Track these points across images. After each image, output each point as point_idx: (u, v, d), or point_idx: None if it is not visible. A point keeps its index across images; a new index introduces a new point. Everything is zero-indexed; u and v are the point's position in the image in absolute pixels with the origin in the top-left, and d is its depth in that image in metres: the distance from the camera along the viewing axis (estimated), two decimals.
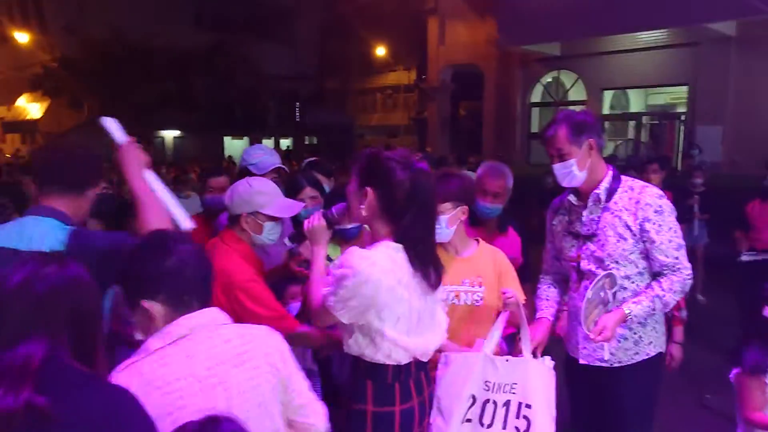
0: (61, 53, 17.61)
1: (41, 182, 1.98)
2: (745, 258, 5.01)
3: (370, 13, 21.20)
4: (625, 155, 13.22)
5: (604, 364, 2.36)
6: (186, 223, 2.05)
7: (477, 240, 2.47)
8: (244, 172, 3.08)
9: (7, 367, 1.11)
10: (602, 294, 2.21)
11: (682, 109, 14.21)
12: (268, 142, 23.72)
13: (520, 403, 2.00)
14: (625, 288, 2.29)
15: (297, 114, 25.22)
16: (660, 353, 2.43)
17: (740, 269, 4.99)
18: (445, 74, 17.62)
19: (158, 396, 1.30)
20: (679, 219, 2.35)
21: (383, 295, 1.73)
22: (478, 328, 2.27)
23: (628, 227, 2.25)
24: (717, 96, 12.24)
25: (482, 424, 2.00)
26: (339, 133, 24.25)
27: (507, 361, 2.08)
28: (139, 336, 1.43)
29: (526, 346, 2.17)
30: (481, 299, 2.31)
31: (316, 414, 1.62)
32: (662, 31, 12.69)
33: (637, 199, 2.26)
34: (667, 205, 2.26)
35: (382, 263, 1.74)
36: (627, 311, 2.20)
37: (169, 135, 22.42)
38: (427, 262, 1.83)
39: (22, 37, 20.02)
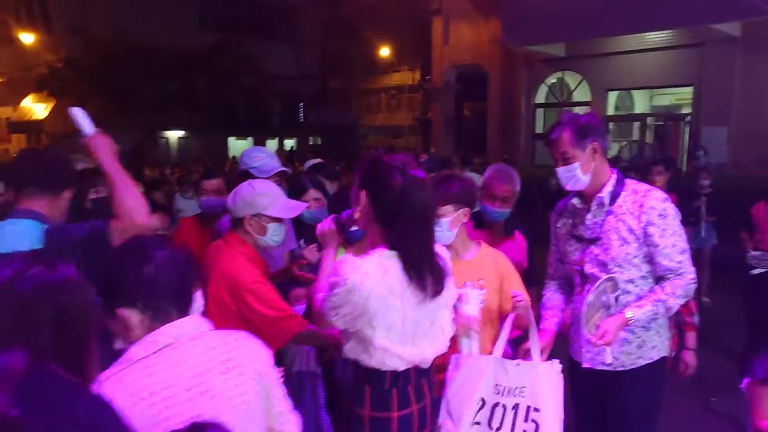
0: (66, 54, 17.66)
1: (19, 185, 2.04)
2: (754, 271, 4.97)
3: (374, 13, 21.21)
4: (629, 156, 13.17)
5: (607, 368, 2.34)
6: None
7: (479, 243, 2.46)
8: (246, 175, 3.07)
9: None
10: (604, 298, 2.20)
11: (687, 110, 14.17)
12: (272, 143, 23.78)
13: (528, 407, 2.01)
14: (628, 292, 2.28)
15: (301, 114, 25.24)
16: (664, 358, 2.41)
17: (748, 278, 4.96)
18: (450, 75, 17.60)
19: (144, 407, 1.28)
20: (685, 221, 2.33)
21: (373, 304, 1.71)
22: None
23: (632, 231, 2.24)
24: (722, 97, 12.21)
25: (491, 428, 2.01)
26: (343, 133, 24.26)
27: (518, 365, 2.09)
28: (118, 345, 1.41)
29: (535, 350, 2.17)
30: (481, 302, 2.30)
31: (292, 423, 1.61)
32: (667, 31, 12.67)
33: (641, 202, 2.25)
34: (671, 208, 2.25)
35: (373, 272, 1.71)
36: (629, 315, 2.19)
37: (174, 135, 22.48)
38: (423, 271, 1.78)
39: (27, 38, 20.11)
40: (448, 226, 2.27)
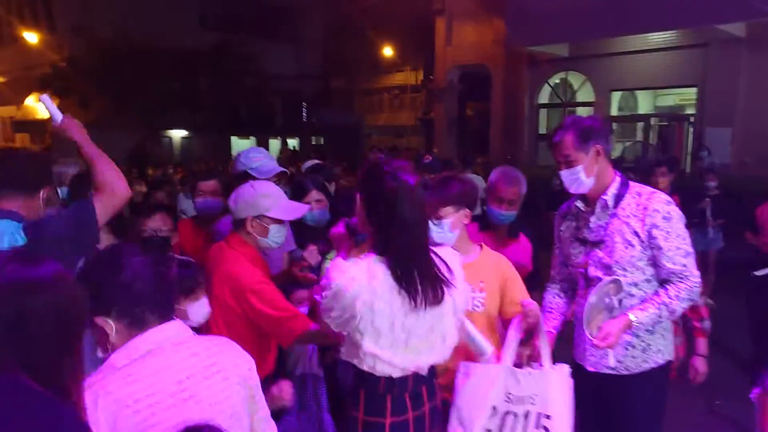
0: (70, 53, 17.71)
1: None
2: (758, 272, 4.94)
3: (377, 13, 21.19)
4: (633, 157, 13.13)
5: (611, 372, 2.33)
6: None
7: (480, 245, 2.44)
8: (244, 176, 3.05)
9: None
10: (607, 300, 2.18)
11: (690, 111, 14.12)
12: (274, 143, 23.78)
13: (539, 414, 2.03)
14: (632, 295, 2.27)
15: (303, 114, 25.24)
16: (669, 361, 2.40)
17: (752, 281, 4.93)
18: (453, 74, 17.57)
19: (129, 414, 1.27)
20: (689, 223, 2.31)
21: (359, 308, 1.70)
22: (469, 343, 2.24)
23: (636, 234, 2.23)
24: (726, 97, 12.16)
25: None
26: (346, 133, 24.23)
27: (529, 374, 2.10)
28: (99, 354, 1.39)
29: (546, 356, 2.17)
30: (481, 305, 2.30)
31: (273, 428, 1.62)
32: (671, 32, 12.63)
33: (645, 205, 2.23)
34: (675, 211, 2.23)
35: (359, 276, 1.71)
36: (632, 318, 2.18)
37: (177, 135, 22.49)
38: (413, 276, 1.73)
39: (30, 38, 20.15)
40: (449, 227, 2.26)
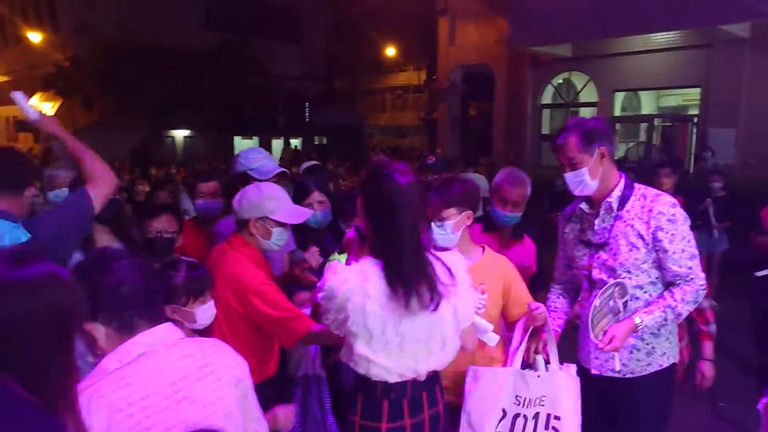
0: (73, 53, 17.74)
1: None
2: (759, 273, 4.92)
3: (380, 13, 21.18)
4: (636, 157, 13.10)
5: (616, 375, 2.32)
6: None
7: (482, 247, 2.43)
8: (244, 176, 3.04)
9: None
10: (612, 303, 2.17)
11: (694, 111, 14.08)
12: (277, 142, 23.77)
13: (548, 415, 2.05)
14: (637, 298, 2.26)
15: (306, 114, 25.24)
16: (674, 364, 2.38)
17: (754, 282, 4.90)
18: (455, 75, 17.55)
19: (123, 418, 1.27)
20: (693, 225, 2.30)
21: (350, 310, 1.71)
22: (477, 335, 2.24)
23: (641, 236, 2.21)
24: (730, 98, 12.11)
25: None
26: (348, 133, 24.23)
27: (538, 376, 2.11)
28: (89, 359, 1.39)
29: (554, 358, 2.17)
30: (482, 307, 2.28)
31: (265, 428, 1.62)
32: (675, 32, 12.58)
33: (650, 207, 2.22)
34: (680, 213, 2.22)
35: (352, 278, 1.71)
36: (638, 321, 2.17)
37: (179, 134, 22.50)
38: (407, 279, 1.71)
39: (34, 37, 20.19)
40: (452, 229, 2.25)
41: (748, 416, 4.04)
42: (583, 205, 2.39)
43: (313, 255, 2.56)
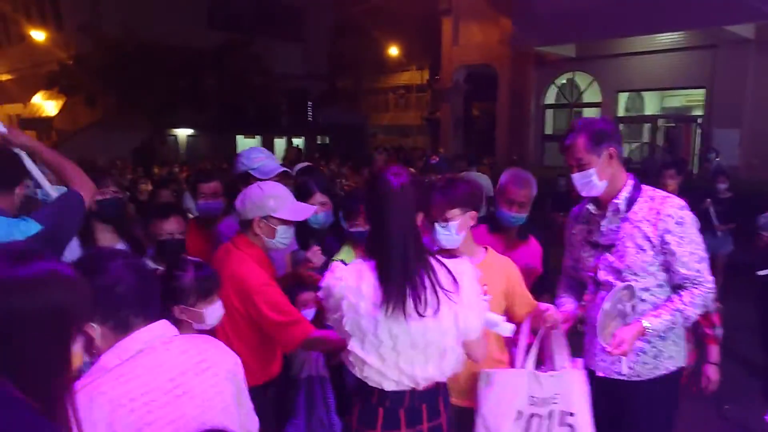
0: (77, 51, 17.76)
1: None
2: (761, 272, 4.90)
3: (383, 13, 21.18)
4: (639, 158, 13.07)
5: (622, 378, 2.30)
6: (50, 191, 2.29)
7: (485, 248, 2.41)
8: (246, 176, 3.03)
9: None
10: (620, 306, 2.16)
11: (697, 112, 14.05)
12: (279, 142, 23.77)
13: (562, 412, 2.10)
14: (643, 300, 2.24)
15: (309, 113, 25.25)
16: (681, 368, 2.36)
17: (761, 284, 4.88)
18: (459, 75, 17.54)
19: (125, 413, 1.28)
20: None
21: (344, 309, 1.73)
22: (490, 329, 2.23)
23: (648, 239, 2.19)
24: (734, 99, 12.09)
25: None
26: (351, 132, 24.22)
27: (551, 376, 2.14)
28: (85, 358, 1.38)
29: (565, 357, 2.19)
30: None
31: (256, 424, 1.64)
32: (680, 33, 12.55)
33: (658, 209, 2.20)
34: (689, 216, 2.20)
35: (347, 278, 1.74)
36: (646, 325, 2.15)
37: (182, 133, 22.53)
38: (396, 283, 1.69)
39: (38, 36, 20.23)
40: (456, 229, 2.23)
41: (753, 418, 4.03)
42: (590, 206, 2.37)
43: (315, 254, 2.55)
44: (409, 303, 1.68)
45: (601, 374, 2.35)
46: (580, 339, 2.49)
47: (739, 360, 4.89)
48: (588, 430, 2.11)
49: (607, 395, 2.35)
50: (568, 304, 2.48)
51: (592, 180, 2.22)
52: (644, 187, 2.30)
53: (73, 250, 2.32)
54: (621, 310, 2.15)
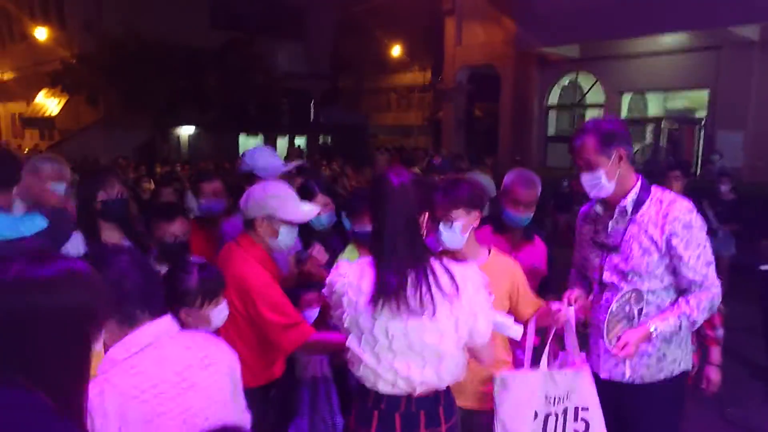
0: (80, 50, 17.78)
1: None
2: (763, 267, 4.89)
3: (386, 12, 21.16)
4: (642, 160, 13.05)
5: (625, 380, 2.29)
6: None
7: (488, 248, 2.40)
8: (250, 175, 3.02)
9: None
10: (627, 309, 2.14)
11: (701, 114, 14.01)
12: (282, 141, 23.78)
13: (576, 408, 2.16)
14: (649, 302, 2.22)
15: (311, 112, 25.25)
16: (685, 372, 2.34)
17: (762, 279, 4.87)
18: (462, 75, 17.52)
19: (136, 405, 1.33)
20: None
21: (345, 305, 1.76)
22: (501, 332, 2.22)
23: (654, 241, 2.18)
24: (738, 100, 12.04)
25: None
26: (353, 132, 24.21)
27: (565, 374, 2.18)
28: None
29: (576, 354, 2.21)
30: None
31: (248, 420, 1.67)
32: (683, 34, 12.51)
33: (666, 212, 2.18)
34: (697, 219, 2.18)
35: (349, 275, 1.77)
36: (652, 328, 2.13)
37: (185, 132, 22.55)
38: (391, 281, 1.69)
39: (41, 34, 20.24)
40: (460, 230, 2.22)
41: (756, 420, 4.01)
42: (597, 207, 2.36)
43: (319, 252, 2.54)
44: (402, 301, 1.68)
45: (604, 376, 2.34)
46: (582, 340, 2.48)
47: (743, 362, 4.87)
48: (601, 423, 2.17)
49: (611, 398, 2.34)
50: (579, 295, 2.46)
51: (601, 181, 2.21)
52: (653, 188, 2.28)
53: (77, 248, 2.32)
54: (627, 312, 2.14)
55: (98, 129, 19.02)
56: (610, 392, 2.33)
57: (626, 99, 15.09)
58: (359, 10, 22.21)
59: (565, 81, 16.19)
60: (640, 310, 2.18)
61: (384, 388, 1.76)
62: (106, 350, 1.39)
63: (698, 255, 2.15)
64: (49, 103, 21.99)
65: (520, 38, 14.43)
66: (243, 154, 3.24)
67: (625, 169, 2.24)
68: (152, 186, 7.05)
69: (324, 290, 1.84)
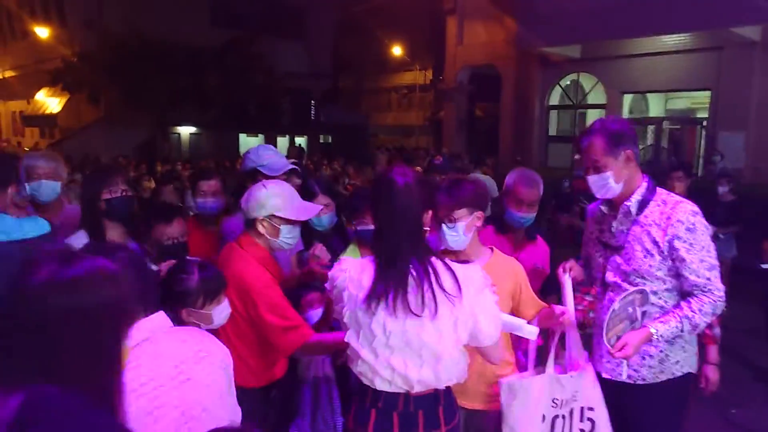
0: (81, 48, 17.78)
1: None
2: (765, 265, 4.89)
3: (387, 12, 21.16)
4: (643, 161, 13.03)
5: (627, 381, 2.28)
6: None
7: (491, 248, 2.39)
8: (254, 173, 2.99)
9: None
10: (630, 309, 2.12)
11: (702, 114, 14.01)
12: (282, 140, 23.78)
13: (582, 408, 2.18)
14: (652, 303, 2.20)
15: (312, 112, 25.25)
16: (688, 374, 2.32)
17: (763, 278, 4.86)
18: (463, 75, 17.51)
19: (134, 398, 1.35)
20: None
21: (345, 299, 1.76)
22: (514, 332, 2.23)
23: (656, 243, 2.16)
24: (740, 101, 12.04)
25: None
26: (354, 132, 24.22)
27: (571, 377, 2.18)
28: None
29: (580, 356, 2.22)
30: None
31: (238, 415, 1.68)
32: (685, 34, 12.51)
33: (669, 214, 2.16)
34: (700, 222, 2.15)
35: (350, 270, 1.78)
36: (653, 331, 2.11)
37: (186, 131, 22.55)
38: (389, 279, 1.68)
39: (41, 32, 20.24)
40: (463, 230, 2.20)
41: (759, 422, 4.00)
42: (603, 207, 2.35)
43: (321, 251, 2.52)
44: (400, 300, 1.67)
45: (606, 376, 2.32)
46: (584, 340, 2.47)
47: (745, 364, 4.86)
48: (606, 422, 2.19)
49: (612, 398, 2.32)
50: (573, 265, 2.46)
51: (609, 182, 2.19)
52: (659, 190, 2.26)
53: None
54: (630, 313, 2.12)
55: (99, 127, 19.02)
56: (611, 392, 2.32)
57: (627, 99, 15.09)
58: (360, 10, 22.21)
59: (567, 81, 16.20)
60: (644, 312, 2.16)
61: (381, 385, 1.75)
62: None
63: (701, 258, 2.13)
64: (49, 102, 21.99)
65: (522, 38, 14.43)
66: (247, 152, 3.20)
67: (632, 170, 2.22)
68: (153, 185, 7.04)
69: (327, 284, 1.85)
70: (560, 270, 2.35)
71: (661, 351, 2.25)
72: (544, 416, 2.13)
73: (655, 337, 2.12)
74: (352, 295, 1.73)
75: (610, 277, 2.29)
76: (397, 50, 23.14)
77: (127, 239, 2.59)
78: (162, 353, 1.44)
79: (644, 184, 2.25)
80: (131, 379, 1.34)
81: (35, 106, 22.76)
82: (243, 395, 1.64)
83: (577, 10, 12.31)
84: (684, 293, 2.20)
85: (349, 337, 1.76)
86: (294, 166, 3.23)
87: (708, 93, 13.19)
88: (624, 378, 2.24)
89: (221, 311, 1.98)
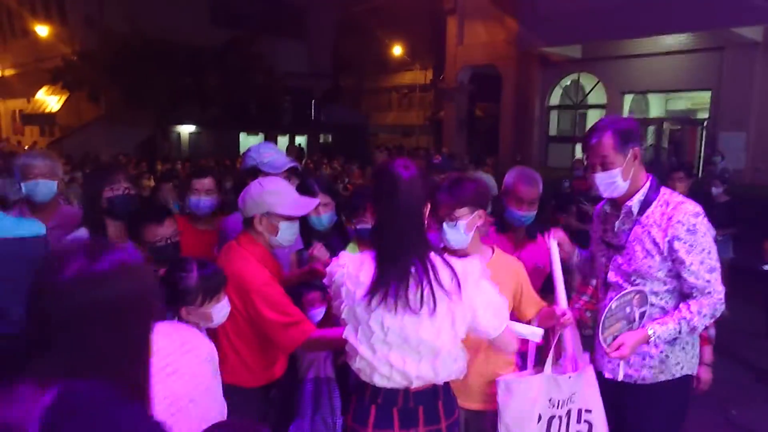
0: (81, 46, 17.77)
1: None
2: (766, 267, 4.88)
3: (387, 11, 21.15)
4: (644, 161, 13.01)
5: (627, 381, 2.27)
6: None
7: (492, 247, 2.38)
8: (255, 171, 2.98)
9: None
10: (628, 310, 2.12)
11: (702, 115, 14.00)
12: (282, 140, 23.76)
13: (580, 410, 2.17)
14: (652, 304, 2.20)
15: (312, 111, 25.24)
16: (688, 376, 2.31)
17: (764, 279, 4.85)
18: (463, 75, 17.50)
19: None
20: None
21: (343, 295, 1.75)
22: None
23: (656, 244, 2.15)
24: (741, 102, 12.03)
25: None
26: (354, 131, 24.20)
27: (569, 378, 2.17)
28: None
29: (580, 356, 2.22)
30: None
31: (224, 408, 1.71)
32: (686, 34, 12.50)
33: (670, 215, 2.14)
34: (702, 224, 2.13)
35: (349, 266, 1.77)
36: (650, 332, 2.11)
37: (186, 130, 22.54)
38: (388, 275, 1.67)
39: (42, 30, 20.23)
40: (465, 228, 2.19)
41: (759, 422, 3.99)
42: (606, 206, 2.34)
43: (320, 250, 2.51)
44: (400, 297, 1.66)
45: (607, 375, 2.32)
46: (585, 340, 2.46)
47: (746, 364, 4.85)
48: (603, 425, 2.19)
49: (613, 397, 2.32)
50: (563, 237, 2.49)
51: (616, 181, 2.18)
52: (662, 190, 2.25)
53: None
54: (628, 314, 2.11)
55: (99, 126, 19.01)
56: (612, 392, 2.31)
57: (628, 100, 15.08)
58: (360, 10, 22.20)
59: (567, 81, 16.19)
60: (643, 313, 2.15)
61: (380, 381, 1.74)
62: None
63: (701, 260, 2.11)
64: (49, 100, 21.96)
65: (522, 38, 14.42)
66: (248, 149, 3.17)
67: (638, 169, 2.21)
68: (152, 183, 7.04)
69: (325, 279, 1.84)
70: (547, 237, 2.38)
71: (661, 351, 2.24)
72: (540, 416, 2.12)
73: (653, 338, 2.11)
74: (349, 291, 1.73)
75: (611, 277, 2.29)
76: (397, 50, 23.12)
77: (125, 238, 2.58)
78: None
79: (648, 184, 2.24)
80: None
81: (35, 104, 22.73)
82: (242, 395, 1.64)
83: (577, 11, 12.30)
84: (684, 295, 2.19)
85: (348, 333, 1.75)
86: (294, 164, 3.22)
87: (709, 93, 13.18)
88: (621, 378, 2.23)
89: (221, 309, 1.97)
